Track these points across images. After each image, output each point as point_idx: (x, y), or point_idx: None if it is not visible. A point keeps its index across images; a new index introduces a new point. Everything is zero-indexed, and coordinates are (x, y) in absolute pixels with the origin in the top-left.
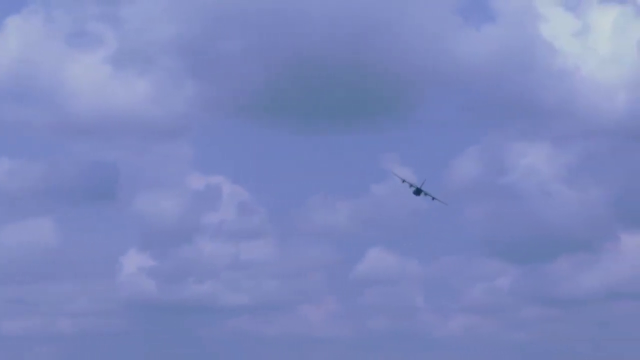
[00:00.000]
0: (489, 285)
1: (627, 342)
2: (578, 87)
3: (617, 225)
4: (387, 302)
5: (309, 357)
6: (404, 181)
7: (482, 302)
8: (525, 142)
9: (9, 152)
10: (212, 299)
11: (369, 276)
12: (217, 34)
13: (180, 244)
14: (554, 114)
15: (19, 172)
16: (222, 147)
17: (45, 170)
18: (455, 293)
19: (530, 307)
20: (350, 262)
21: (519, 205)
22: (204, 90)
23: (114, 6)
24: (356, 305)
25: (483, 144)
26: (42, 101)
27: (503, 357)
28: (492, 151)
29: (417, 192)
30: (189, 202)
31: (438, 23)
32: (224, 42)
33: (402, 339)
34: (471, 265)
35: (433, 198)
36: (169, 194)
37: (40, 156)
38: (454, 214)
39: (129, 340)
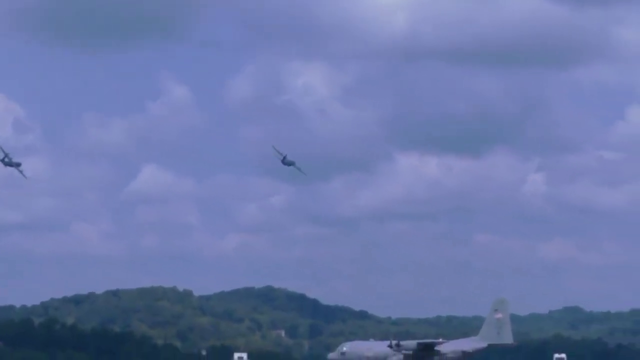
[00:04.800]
0: (263, 204)
1: (398, 260)
2: (357, 6)
3: (391, 145)
4: (161, 221)
5: (82, 275)
6: (280, 153)
7: (256, 220)
8: (302, 61)
9: None
10: None
11: (143, 194)
12: None
13: None
14: (331, 33)
15: None
16: None
17: None
18: (230, 211)
19: (304, 226)
20: (125, 181)
21: (294, 124)
22: None
23: None
24: (130, 223)
25: (259, 63)
26: None
27: (276, 274)
28: (269, 70)
29: (287, 163)
30: None
31: None
32: None
33: (176, 258)
34: (246, 184)
35: (299, 169)
36: None
37: None
38: (230, 133)
39: None
